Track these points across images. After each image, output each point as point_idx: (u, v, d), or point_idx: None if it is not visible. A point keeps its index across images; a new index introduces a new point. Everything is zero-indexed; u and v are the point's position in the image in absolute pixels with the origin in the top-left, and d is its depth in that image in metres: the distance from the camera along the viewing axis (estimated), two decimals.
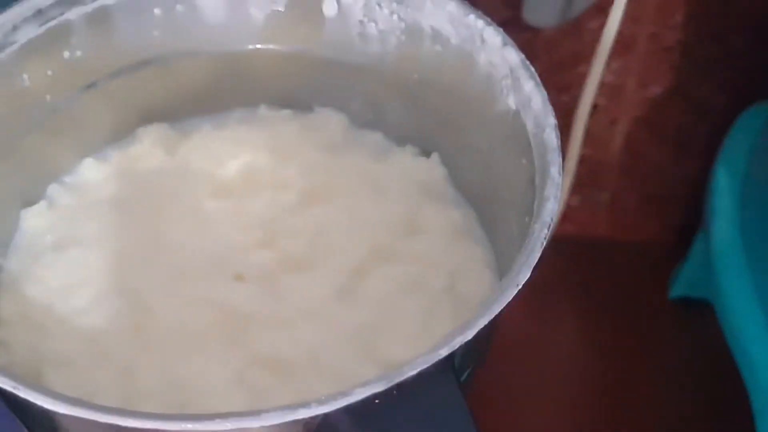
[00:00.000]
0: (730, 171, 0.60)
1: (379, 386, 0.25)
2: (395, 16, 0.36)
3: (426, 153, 0.39)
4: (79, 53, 0.36)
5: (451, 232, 0.36)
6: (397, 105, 0.39)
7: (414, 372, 0.25)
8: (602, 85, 0.77)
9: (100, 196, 0.38)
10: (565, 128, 0.66)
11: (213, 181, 0.38)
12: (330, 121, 0.40)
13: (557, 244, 0.88)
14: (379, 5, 0.36)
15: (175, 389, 0.32)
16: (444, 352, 0.25)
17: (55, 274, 0.35)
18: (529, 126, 0.32)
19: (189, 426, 0.24)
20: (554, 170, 0.29)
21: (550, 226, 0.28)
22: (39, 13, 0.35)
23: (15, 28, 0.34)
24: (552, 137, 0.30)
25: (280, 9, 0.38)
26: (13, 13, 0.34)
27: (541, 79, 0.33)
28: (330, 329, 0.33)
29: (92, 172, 0.39)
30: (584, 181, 0.84)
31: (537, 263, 0.28)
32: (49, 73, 0.36)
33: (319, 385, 0.32)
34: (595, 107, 0.78)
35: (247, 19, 0.38)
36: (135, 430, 0.25)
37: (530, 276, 0.27)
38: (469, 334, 0.26)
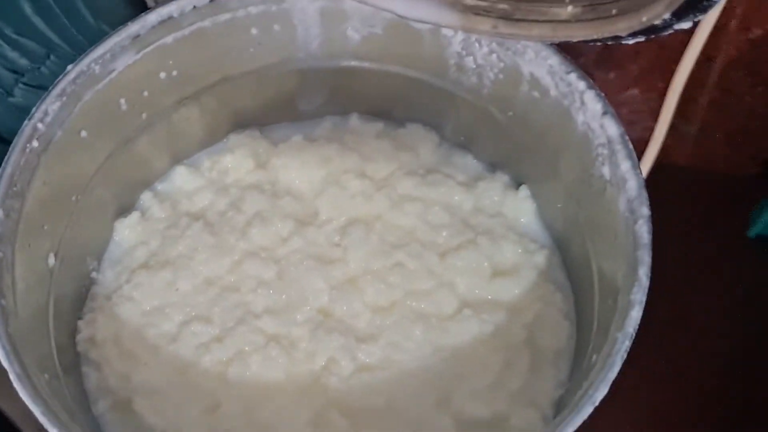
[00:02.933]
0: None
1: None
2: (494, 56, 0.35)
3: (516, 182, 0.39)
4: (174, 73, 0.36)
5: (534, 275, 0.37)
6: (489, 134, 0.39)
7: None
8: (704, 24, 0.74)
9: (191, 209, 0.39)
10: (657, 63, 0.65)
11: (300, 204, 0.39)
12: (421, 139, 0.40)
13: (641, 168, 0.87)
14: (479, 42, 0.35)
15: (256, 429, 0.34)
16: None
17: (145, 294, 0.36)
18: (621, 207, 0.31)
19: None
20: (642, 272, 0.29)
21: (632, 337, 0.28)
22: (136, 40, 0.34)
23: (113, 57, 0.34)
24: (644, 232, 0.30)
25: (377, 31, 0.37)
26: (111, 43, 0.34)
27: None
28: (409, 377, 0.34)
29: (184, 180, 0.40)
30: (675, 112, 0.83)
31: None
32: (145, 94, 0.36)
33: None
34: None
35: (344, 38, 0.38)
36: None
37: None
38: None
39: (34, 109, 0.33)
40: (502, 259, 0.37)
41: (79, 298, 0.37)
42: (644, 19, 0.30)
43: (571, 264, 0.37)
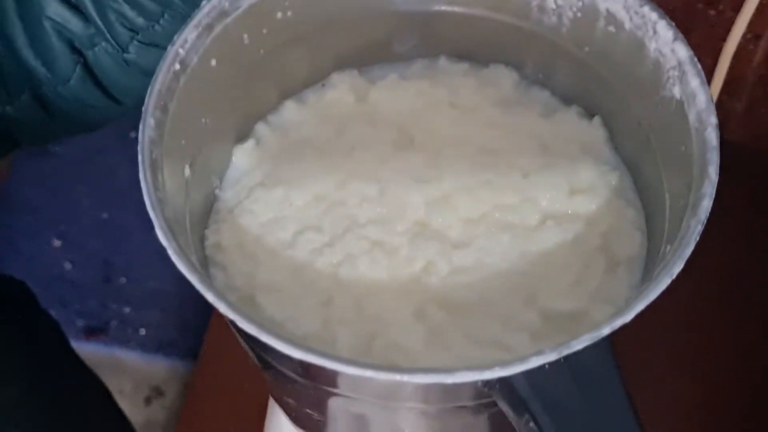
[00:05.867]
0: None
1: (552, 356, 0.30)
2: None
3: (589, 114, 0.43)
4: (289, 13, 0.41)
5: (608, 193, 0.41)
6: (566, 70, 0.43)
7: (580, 346, 0.31)
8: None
9: (299, 137, 0.44)
10: (709, 41, 0.69)
11: (397, 131, 0.43)
12: (503, 76, 0.45)
13: None
14: None
15: (365, 320, 0.38)
16: (606, 332, 0.31)
17: (263, 208, 0.41)
18: (692, 119, 0.36)
19: (398, 377, 0.30)
20: (712, 170, 0.34)
21: (704, 222, 0.33)
22: None
23: None
24: (713, 136, 0.34)
25: None
26: None
27: None
28: (499, 277, 0.39)
29: (292, 113, 0.44)
30: (722, 89, 0.87)
31: None
32: (264, 31, 0.41)
33: (486, 326, 0.38)
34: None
35: None
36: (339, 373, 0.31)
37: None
38: (628, 317, 0.31)
39: (175, 37, 0.38)
40: (578, 178, 0.41)
41: (206, 211, 0.42)
42: None
43: (642, 184, 0.42)
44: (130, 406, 1.29)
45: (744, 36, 0.81)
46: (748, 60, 0.84)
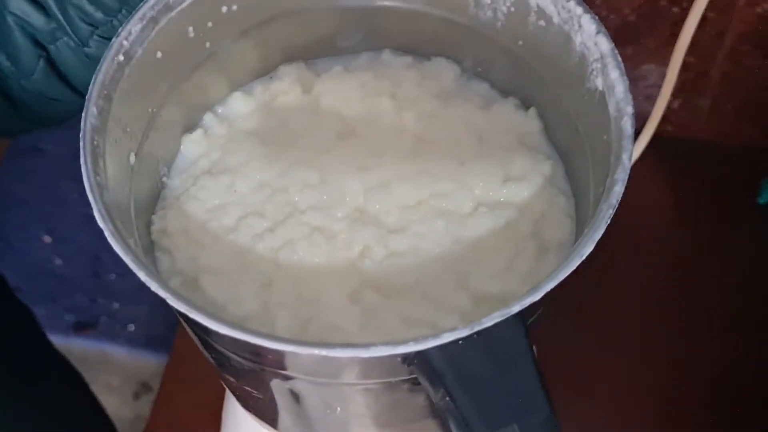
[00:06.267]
0: None
1: (464, 332, 0.32)
2: None
3: (526, 106, 0.45)
4: (234, 7, 0.43)
5: (541, 181, 0.43)
6: (502, 63, 0.45)
7: (491, 323, 0.32)
8: (713, 0, 0.80)
9: (246, 128, 0.45)
10: (672, 38, 0.71)
11: (340, 121, 0.45)
12: (444, 70, 0.46)
13: (657, 142, 0.93)
14: None
15: (303, 303, 0.40)
16: (515, 309, 0.32)
17: (209, 195, 0.43)
18: (611, 110, 0.37)
19: (316, 351, 0.32)
20: (626, 157, 0.35)
21: (615, 207, 0.34)
22: None
23: None
24: (628, 126, 0.36)
25: None
26: None
27: None
28: (433, 262, 0.41)
29: (239, 104, 0.46)
30: (687, 86, 0.88)
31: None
32: (210, 24, 0.43)
33: (419, 308, 0.40)
34: (704, 19, 0.82)
35: None
36: (268, 349, 0.33)
37: (594, 249, 0.34)
38: (537, 296, 0.33)
39: (120, 29, 0.39)
40: (512, 167, 0.43)
41: (153, 198, 0.43)
42: None
43: (573, 173, 0.43)
44: (118, 401, 1.30)
45: (708, 34, 0.83)
46: (712, 58, 0.85)
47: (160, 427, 0.75)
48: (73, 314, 1.41)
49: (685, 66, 0.86)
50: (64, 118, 0.54)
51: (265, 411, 0.43)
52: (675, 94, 0.89)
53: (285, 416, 0.42)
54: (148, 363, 1.35)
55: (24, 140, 1.54)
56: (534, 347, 0.34)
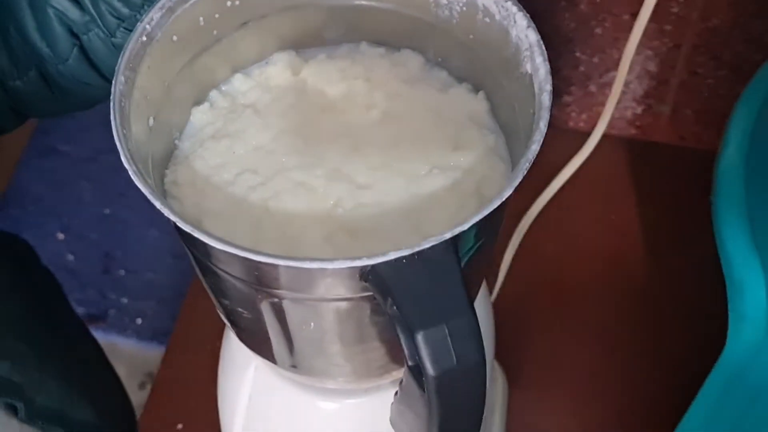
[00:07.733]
0: (748, 109, 0.72)
1: (407, 252, 0.41)
2: None
3: (476, 90, 0.55)
4: (237, 2, 0.52)
5: (485, 150, 0.52)
6: (458, 54, 0.54)
7: (428, 245, 0.41)
8: (670, 14, 0.90)
9: (245, 102, 0.55)
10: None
11: (323, 98, 0.54)
12: (411, 59, 0.56)
13: (622, 143, 1.03)
14: None
15: (286, 240, 0.49)
16: (447, 236, 0.42)
17: (212, 155, 0.52)
18: (536, 88, 0.47)
19: (291, 263, 0.41)
20: (542, 123, 0.44)
21: (531, 161, 0.43)
22: None
23: None
24: (546, 99, 0.45)
25: None
26: None
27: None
28: (393, 212, 0.50)
29: (240, 83, 0.56)
30: (649, 93, 0.98)
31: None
32: (217, 15, 0.52)
33: (381, 247, 0.49)
34: (663, 32, 0.92)
35: None
36: (256, 262, 0.42)
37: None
38: (465, 227, 0.42)
39: (143, 15, 0.49)
40: (462, 139, 0.52)
41: (167, 156, 0.53)
42: None
43: (512, 145, 0.53)
44: None
45: (666, 45, 0.92)
46: (671, 67, 0.95)
47: (158, 409, 0.83)
48: (84, 307, 1.50)
49: (647, 74, 0.96)
50: (94, 102, 0.63)
51: (254, 333, 0.53)
52: (639, 100, 0.99)
53: (271, 336, 0.51)
54: (154, 355, 1.43)
55: (42, 141, 1.63)
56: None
